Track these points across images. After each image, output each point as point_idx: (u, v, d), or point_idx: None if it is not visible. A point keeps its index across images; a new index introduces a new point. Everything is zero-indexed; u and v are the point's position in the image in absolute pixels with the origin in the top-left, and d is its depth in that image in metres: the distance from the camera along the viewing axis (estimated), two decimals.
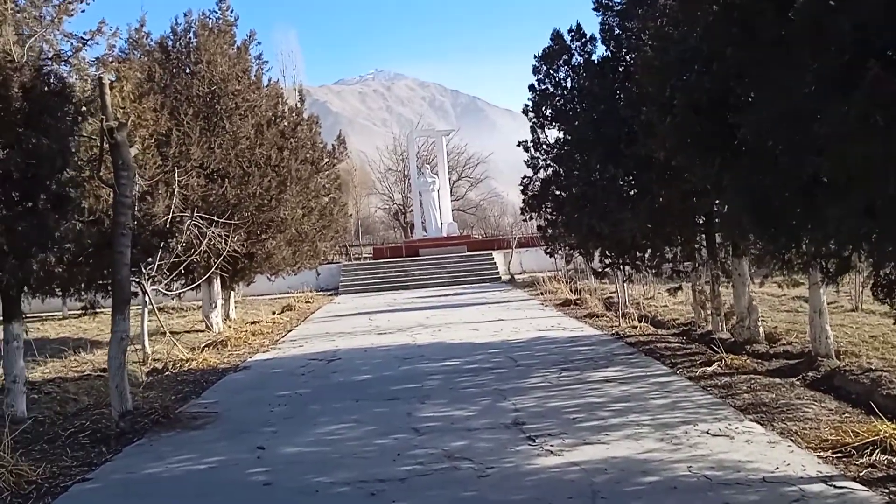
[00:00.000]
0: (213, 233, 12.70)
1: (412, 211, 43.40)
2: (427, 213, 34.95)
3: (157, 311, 12.29)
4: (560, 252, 23.16)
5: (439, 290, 24.87)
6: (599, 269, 10.11)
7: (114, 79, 8.73)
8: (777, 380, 8.00)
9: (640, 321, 12.46)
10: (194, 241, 12.51)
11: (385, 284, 26.78)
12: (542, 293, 19.90)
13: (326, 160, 17.44)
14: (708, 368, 8.68)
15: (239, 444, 6.66)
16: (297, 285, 25.31)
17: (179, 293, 15.44)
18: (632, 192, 8.14)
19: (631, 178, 8.18)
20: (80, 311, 11.90)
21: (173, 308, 21.98)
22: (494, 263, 28.55)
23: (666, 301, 15.37)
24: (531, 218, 11.20)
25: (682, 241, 8.68)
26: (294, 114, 16.57)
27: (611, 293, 18.05)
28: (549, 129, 10.10)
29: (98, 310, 9.64)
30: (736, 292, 9.95)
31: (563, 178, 9.65)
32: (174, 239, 12.33)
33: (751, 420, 6.45)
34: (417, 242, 34.09)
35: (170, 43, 15.07)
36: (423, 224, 35.32)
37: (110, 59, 9.38)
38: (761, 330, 10.00)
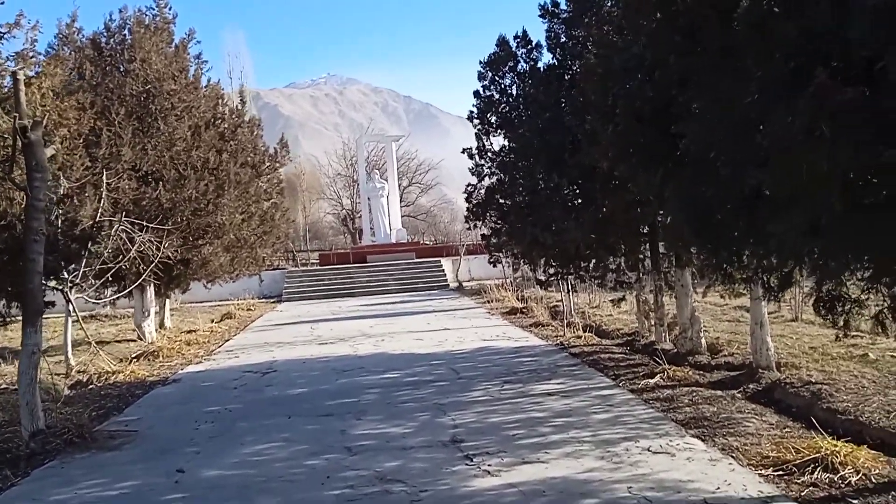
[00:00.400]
0: (143, 238, 12.07)
1: (361, 216, 42.88)
2: (376, 218, 34.52)
3: (81, 321, 11.60)
4: (505, 261, 23.16)
5: (387, 297, 24.49)
6: (544, 279, 9.91)
7: (32, 74, 8.16)
8: (718, 392, 7.94)
9: (584, 331, 12.35)
10: (122, 247, 11.86)
11: (331, 292, 26.25)
12: (489, 301, 19.72)
13: (268, 164, 16.91)
14: (650, 381, 8.58)
15: (157, 467, 6.21)
16: (239, 292, 24.59)
17: (108, 301, 14.70)
18: (576, 202, 7.96)
19: (575, 187, 8.00)
20: None
21: (106, 316, 21.07)
22: (443, 270, 28.31)
23: (611, 311, 15.35)
24: (475, 226, 10.96)
25: (626, 251, 8.56)
26: (235, 116, 16.00)
27: (557, 302, 17.99)
28: (494, 136, 9.89)
29: (11, 320, 8.98)
30: (679, 303, 9.91)
31: (507, 187, 9.44)
32: (101, 244, 11.68)
33: (692, 435, 6.32)
34: (365, 249, 33.63)
35: (103, 40, 14.38)
36: (372, 230, 34.89)
37: (30, 53, 8.80)
38: (703, 341, 9.98)
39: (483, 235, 10.68)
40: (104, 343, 15.44)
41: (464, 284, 26.19)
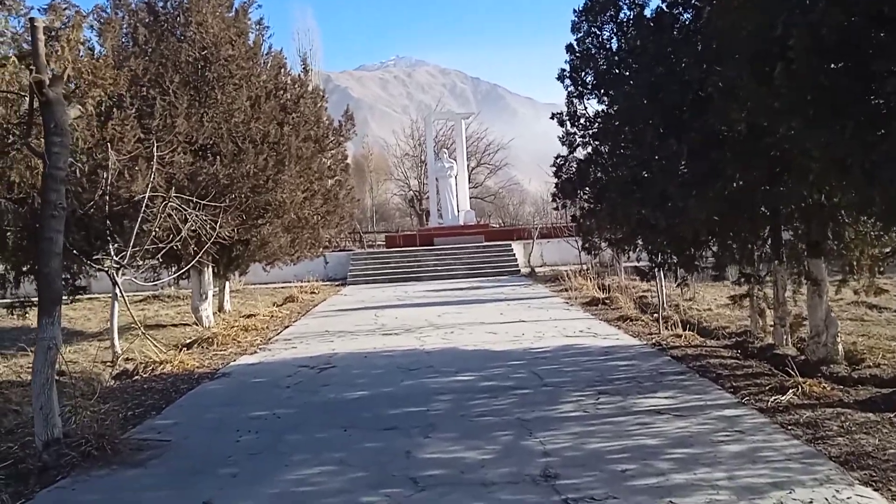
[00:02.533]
0: (196, 216, 11.11)
1: (428, 197, 41.71)
2: (443, 199, 33.23)
3: (127, 303, 10.75)
4: (599, 247, 21.45)
5: (454, 282, 23.22)
6: (646, 269, 8.38)
7: (59, 27, 7.13)
8: (872, 416, 6.32)
9: (684, 329, 10.75)
10: (175, 226, 10.93)
11: (396, 275, 25.16)
12: (566, 289, 18.17)
13: (332, 138, 15.78)
14: (781, 397, 6.99)
15: (183, 495, 5.10)
16: (304, 274, 23.81)
17: (164, 282, 13.95)
18: (698, 175, 6.39)
19: (698, 156, 6.43)
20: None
21: (169, 297, 20.57)
22: (514, 255, 26.81)
23: (709, 303, 13.64)
24: (564, 206, 9.48)
25: (764, 236, 6.94)
26: (297, 85, 14.90)
27: (643, 292, 16.33)
28: (588, 99, 8.40)
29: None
30: (811, 301, 8.20)
31: (606, 158, 7.94)
32: (151, 222, 10.78)
33: (860, 482, 4.78)
34: (433, 231, 32.42)
35: (159, 3, 13.46)
36: (440, 211, 33.63)
37: (63, 4, 7.79)
38: (840, 348, 8.27)
39: (573, 216, 9.17)
40: (161, 327, 14.75)
41: (536, 270, 24.66)
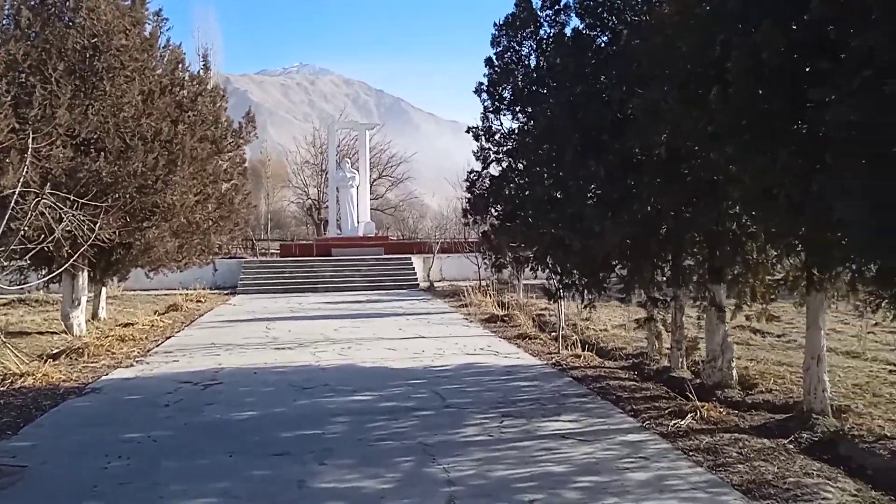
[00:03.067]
0: (73, 216, 10.10)
1: (327, 207, 40.85)
2: (343, 210, 32.55)
3: None
4: (483, 262, 21.49)
5: (352, 294, 22.64)
6: (554, 290, 8.27)
7: None
8: (768, 442, 6.42)
9: (582, 349, 10.78)
10: (46, 225, 9.89)
11: (291, 286, 24.26)
12: (465, 305, 18.06)
13: (231, 140, 14.94)
14: (681, 422, 7.02)
15: None
16: (190, 281, 22.49)
17: (32, 286, 12.69)
18: (613, 196, 6.31)
19: (614, 177, 6.36)
20: None
21: (37, 301, 18.88)
22: (413, 269, 26.53)
23: (605, 323, 13.84)
24: (475, 222, 9.27)
25: (669, 260, 6.94)
26: (195, 82, 14.00)
27: (541, 310, 16.42)
28: (504, 115, 8.23)
29: None
30: (710, 326, 8.35)
31: (521, 175, 7.77)
32: (20, 220, 9.69)
33: None
34: (331, 241, 31.64)
35: None
36: (339, 222, 32.90)
37: None
38: (734, 373, 8.45)
39: (484, 233, 8.96)
40: (25, 335, 13.41)
41: (435, 285, 24.47)
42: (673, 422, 7.00)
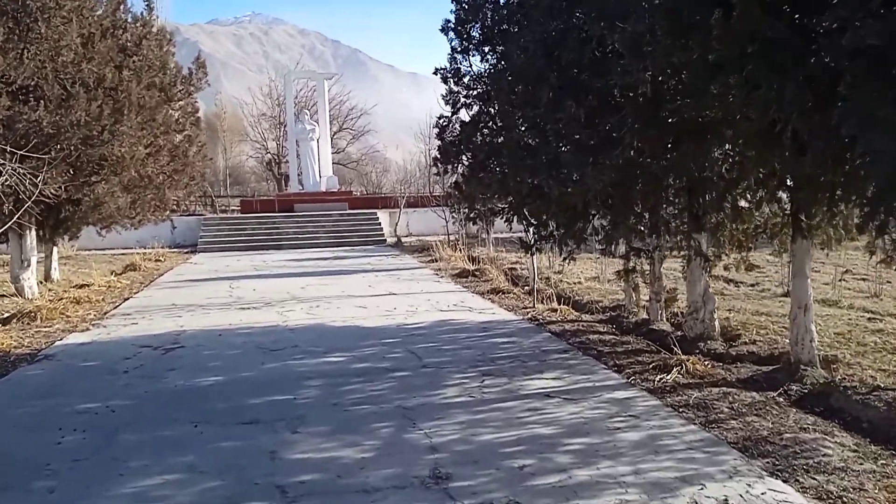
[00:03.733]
0: (12, 168, 9.37)
1: (287, 161, 39.77)
2: (304, 164, 31.65)
3: None
4: (451, 215, 21.05)
5: (317, 251, 22.07)
6: (530, 243, 7.91)
7: None
8: (757, 396, 6.23)
9: (558, 303, 10.52)
10: None
11: (253, 243, 23.58)
12: (434, 260, 17.69)
13: (181, 87, 14.08)
14: (667, 377, 6.79)
15: None
16: (148, 240, 21.66)
17: None
18: (592, 141, 5.91)
19: (595, 120, 5.95)
20: None
21: None
22: (379, 224, 25.99)
23: (577, 276, 13.62)
24: (445, 171, 8.80)
25: (653, 208, 6.60)
26: (139, 24, 13.06)
27: (512, 264, 16.15)
28: (472, 55, 7.73)
29: None
30: (691, 276, 8.11)
31: (493, 121, 7.32)
32: None
33: (769, 473, 4.51)
34: (293, 196, 30.83)
35: None
36: (300, 177, 32.04)
37: None
38: (717, 324, 8.26)
39: (455, 183, 8.52)
40: None
41: (403, 240, 24.03)
42: (659, 377, 6.76)
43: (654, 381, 6.67)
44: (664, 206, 7.04)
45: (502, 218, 8.51)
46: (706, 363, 7.18)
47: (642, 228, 6.57)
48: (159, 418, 5.74)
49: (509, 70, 6.80)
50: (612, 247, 7.15)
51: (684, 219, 7.64)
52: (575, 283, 12.85)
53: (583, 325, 9.25)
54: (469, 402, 6.07)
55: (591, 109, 5.94)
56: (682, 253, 8.37)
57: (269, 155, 49.51)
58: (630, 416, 5.67)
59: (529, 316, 9.97)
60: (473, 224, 9.47)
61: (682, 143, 6.33)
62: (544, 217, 7.03)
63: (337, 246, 23.38)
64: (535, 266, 12.03)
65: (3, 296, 12.50)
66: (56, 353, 8.25)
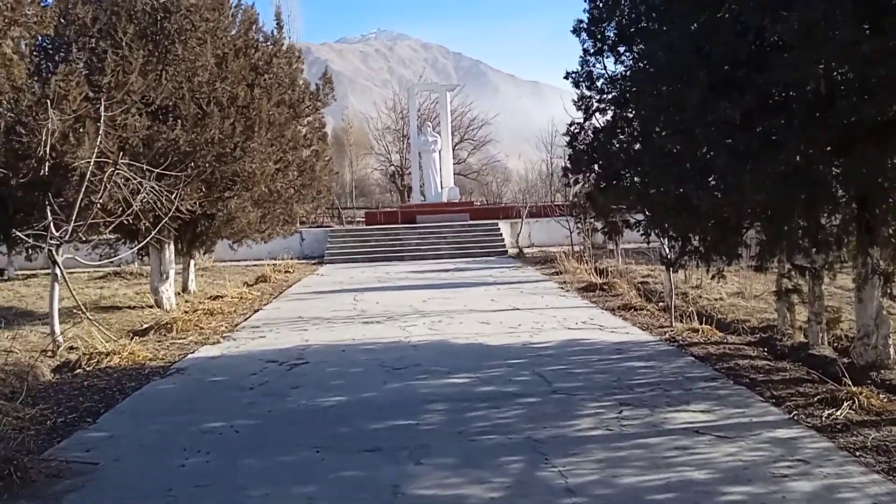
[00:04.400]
0: (151, 187, 9.74)
1: (410, 173, 40.31)
2: (426, 175, 31.84)
3: (68, 283, 9.43)
4: (575, 225, 20.29)
5: (439, 262, 21.98)
6: (673, 259, 7.20)
7: None
8: None
9: (699, 322, 9.64)
10: (123, 198, 9.57)
11: (377, 254, 23.85)
12: (558, 273, 17.04)
13: (309, 103, 14.35)
14: (836, 412, 5.89)
15: None
16: (279, 251, 22.46)
17: (116, 259, 12.58)
18: (752, 146, 5.18)
19: (752, 123, 5.23)
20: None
21: (131, 274, 19.07)
22: (500, 235, 25.60)
23: (719, 292, 12.56)
24: (577, 181, 8.25)
25: (818, 219, 5.75)
26: (270, 43, 13.42)
27: (643, 277, 15.24)
28: (606, 57, 7.15)
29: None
30: (860, 294, 7.09)
31: (631, 126, 6.70)
32: (97, 192, 9.40)
33: None
34: (415, 208, 31.07)
35: None
36: (422, 188, 32.24)
37: None
38: (891, 350, 7.18)
39: (588, 194, 7.94)
40: (116, 309, 13.36)
41: (524, 251, 23.50)
42: (827, 412, 5.88)
43: (821, 417, 5.80)
44: (830, 216, 6.16)
45: (639, 231, 7.83)
46: (881, 397, 6.21)
47: (806, 243, 5.71)
48: (282, 441, 5.57)
49: (652, 70, 6.17)
50: (767, 263, 6.31)
51: (852, 231, 6.68)
52: (716, 300, 11.85)
53: (729, 348, 8.37)
54: (607, 435, 5.49)
55: (747, 110, 5.22)
56: (848, 268, 7.37)
57: (392, 167, 50.47)
58: (798, 460, 4.89)
59: (667, 336, 9.18)
60: (609, 238, 8.82)
61: (854, 146, 5.49)
62: (690, 230, 6.32)
63: (458, 257, 23.20)
64: (672, 280, 11.17)
65: (145, 307, 13.12)
66: (187, 367, 8.41)
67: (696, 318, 9.73)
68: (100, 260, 12.94)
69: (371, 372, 7.79)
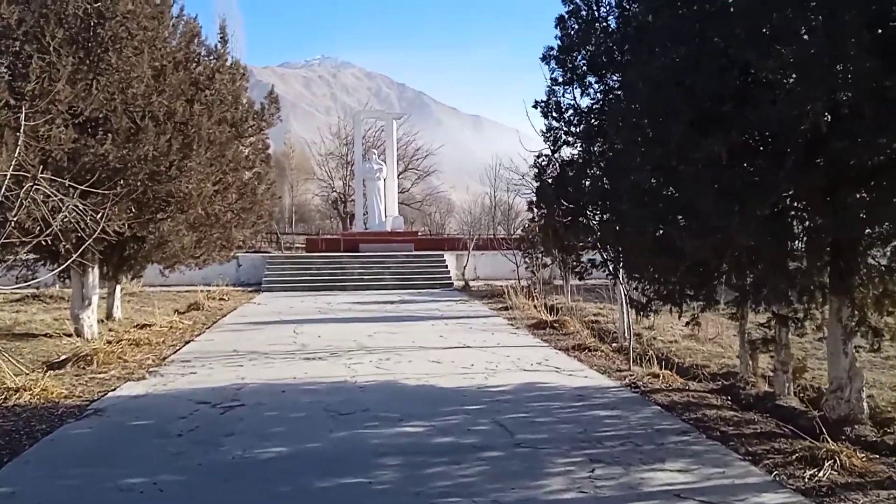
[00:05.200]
0: (74, 206, 8.81)
1: (353, 200, 39.57)
2: (370, 203, 31.21)
3: None
4: (522, 259, 19.96)
5: (383, 294, 21.28)
6: (643, 302, 6.80)
7: None
8: None
9: (660, 366, 9.29)
10: (42, 217, 8.62)
11: (318, 283, 22.97)
12: (507, 308, 16.61)
13: (253, 123, 13.60)
14: (819, 473, 5.54)
15: None
16: (213, 277, 21.32)
17: (34, 282, 11.48)
18: (739, 186, 4.82)
19: (739, 161, 4.88)
20: None
21: (52, 297, 17.73)
22: (446, 266, 25.11)
23: (673, 334, 12.32)
24: (541, 217, 7.80)
25: (807, 268, 5.43)
26: (213, 57, 12.67)
27: (593, 315, 14.94)
28: (576, 88, 6.77)
29: None
30: (831, 347, 6.82)
31: (602, 159, 6.28)
32: (12, 209, 8.44)
33: None
34: (358, 236, 30.34)
35: None
36: (365, 216, 31.55)
37: None
38: (864, 405, 6.91)
39: (553, 229, 7.48)
40: (31, 337, 12.20)
41: (470, 284, 23.04)
42: (808, 472, 5.53)
43: (803, 478, 5.44)
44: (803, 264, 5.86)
45: (603, 270, 7.42)
46: (861, 456, 5.88)
47: (795, 292, 5.37)
48: (214, 503, 4.82)
49: (631, 102, 5.80)
50: (744, 310, 5.96)
51: (825, 279, 6.42)
52: (671, 342, 11.57)
53: (693, 397, 8.00)
54: (581, 499, 4.94)
55: (736, 147, 4.87)
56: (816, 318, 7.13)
57: (335, 193, 49.67)
58: None
59: (628, 382, 8.77)
60: (582, 278, 8.38)
61: (841, 190, 5.20)
62: (670, 273, 5.92)
63: (403, 288, 22.56)
64: (629, 320, 10.83)
65: (63, 335, 11.99)
66: (107, 408, 7.50)
67: (655, 362, 9.37)
68: (16, 282, 11.79)
69: (315, 417, 7.06)
